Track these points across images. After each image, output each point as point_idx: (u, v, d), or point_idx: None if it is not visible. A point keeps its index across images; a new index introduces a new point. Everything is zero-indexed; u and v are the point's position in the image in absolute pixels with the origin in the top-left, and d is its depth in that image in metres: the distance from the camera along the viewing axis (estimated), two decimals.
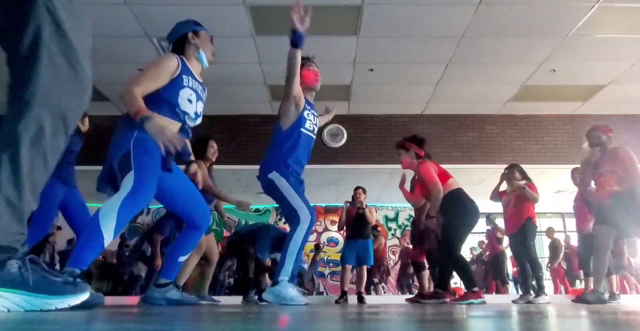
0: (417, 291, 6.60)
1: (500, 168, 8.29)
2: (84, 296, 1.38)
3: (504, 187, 6.07)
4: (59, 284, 1.32)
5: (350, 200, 6.48)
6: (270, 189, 3.26)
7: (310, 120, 3.48)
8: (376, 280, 9.75)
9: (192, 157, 3.02)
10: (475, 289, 4.23)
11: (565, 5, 5.17)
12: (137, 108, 2.33)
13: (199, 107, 2.83)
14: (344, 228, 6.55)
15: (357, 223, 6.26)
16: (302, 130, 3.40)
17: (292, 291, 3.10)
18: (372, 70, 6.66)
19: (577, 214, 5.89)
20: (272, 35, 5.76)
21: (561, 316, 1.76)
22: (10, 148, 1.22)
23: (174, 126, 2.55)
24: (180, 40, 2.82)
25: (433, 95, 7.49)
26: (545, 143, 8.14)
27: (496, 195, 5.97)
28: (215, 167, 4.83)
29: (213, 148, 4.61)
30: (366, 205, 6.36)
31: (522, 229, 5.46)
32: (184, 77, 2.67)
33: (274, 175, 3.23)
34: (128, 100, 2.36)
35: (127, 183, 2.27)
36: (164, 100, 2.53)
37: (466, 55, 6.22)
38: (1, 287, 1.24)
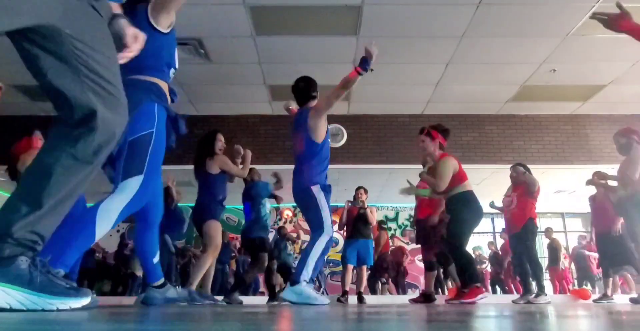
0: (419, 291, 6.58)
1: (500, 168, 8.33)
2: (86, 301, 1.39)
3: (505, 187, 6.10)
4: (62, 287, 1.34)
5: (351, 199, 6.51)
6: (307, 199, 3.44)
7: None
8: (384, 280, 9.73)
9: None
10: (479, 285, 4.25)
11: (565, 5, 5.17)
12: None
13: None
14: (344, 228, 6.57)
15: (358, 223, 6.28)
16: (329, 140, 3.67)
17: (310, 291, 3.20)
18: (372, 70, 6.64)
19: (598, 214, 5.91)
20: (272, 35, 5.76)
21: (563, 316, 1.76)
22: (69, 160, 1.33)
23: (165, 87, 2.30)
24: None
25: (433, 95, 7.49)
26: (545, 143, 8.14)
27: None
28: None
29: (221, 142, 4.60)
30: (367, 205, 6.38)
31: (523, 229, 5.48)
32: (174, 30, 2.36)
33: (316, 189, 3.43)
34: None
35: (134, 185, 2.08)
36: (159, 57, 2.25)
37: (466, 55, 6.22)
38: (8, 283, 1.24)
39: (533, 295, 5.43)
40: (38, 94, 7.24)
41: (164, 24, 2.23)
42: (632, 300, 5.01)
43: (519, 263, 5.70)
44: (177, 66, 2.37)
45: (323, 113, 3.56)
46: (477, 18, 5.37)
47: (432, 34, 5.74)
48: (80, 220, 2.02)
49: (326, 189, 3.48)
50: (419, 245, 5.75)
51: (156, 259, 2.67)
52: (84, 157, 1.34)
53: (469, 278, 4.27)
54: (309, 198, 3.42)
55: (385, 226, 10.41)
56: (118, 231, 11.17)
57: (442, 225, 4.96)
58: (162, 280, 2.74)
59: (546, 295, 5.52)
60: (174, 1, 2.21)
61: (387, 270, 9.70)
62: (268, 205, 5.47)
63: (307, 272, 3.24)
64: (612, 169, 8.02)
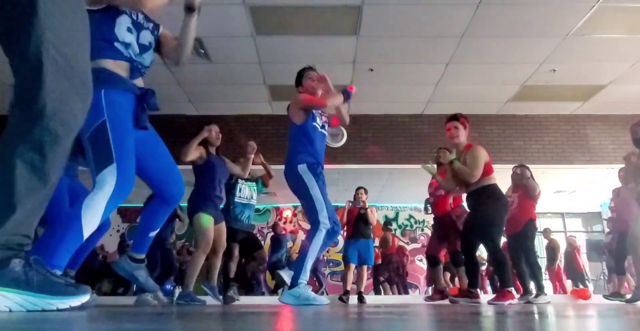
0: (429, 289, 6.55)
1: (500, 168, 8.27)
2: (85, 298, 1.37)
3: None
4: (60, 285, 1.32)
5: (351, 199, 6.53)
6: (296, 182, 3.35)
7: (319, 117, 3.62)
8: (382, 279, 9.74)
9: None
10: (510, 289, 4.09)
11: (565, 5, 5.17)
12: None
13: (145, 38, 2.27)
14: (344, 228, 6.57)
15: (358, 223, 6.30)
16: (314, 125, 3.53)
17: (309, 292, 3.15)
18: (372, 70, 6.66)
19: (620, 209, 5.86)
20: (272, 35, 5.76)
21: (562, 316, 1.76)
22: (29, 153, 1.24)
23: (119, 66, 2.15)
24: None
25: (433, 95, 7.49)
26: (545, 143, 8.14)
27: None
28: None
29: (215, 132, 4.53)
30: (368, 206, 6.40)
31: (523, 230, 5.48)
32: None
33: (303, 168, 3.34)
34: None
35: (109, 178, 1.98)
36: (97, 37, 2.05)
37: (466, 55, 6.22)
38: (4, 287, 1.23)
39: (533, 295, 5.42)
40: None
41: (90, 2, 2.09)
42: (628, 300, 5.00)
43: (516, 264, 5.70)
44: (126, 40, 2.18)
45: (298, 108, 3.51)
46: (477, 18, 5.37)
47: (432, 34, 5.74)
48: (66, 221, 1.97)
49: (315, 170, 3.37)
50: (420, 244, 5.74)
51: (152, 234, 2.54)
52: (42, 146, 1.26)
53: (503, 282, 4.10)
54: (298, 179, 3.34)
55: (390, 227, 10.41)
56: (118, 231, 11.17)
57: (460, 221, 4.98)
58: (143, 256, 2.57)
59: (546, 294, 5.52)
60: None
61: (395, 271, 9.71)
62: (239, 195, 5.34)
63: (305, 274, 3.21)
64: (612, 169, 8.05)
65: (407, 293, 9.87)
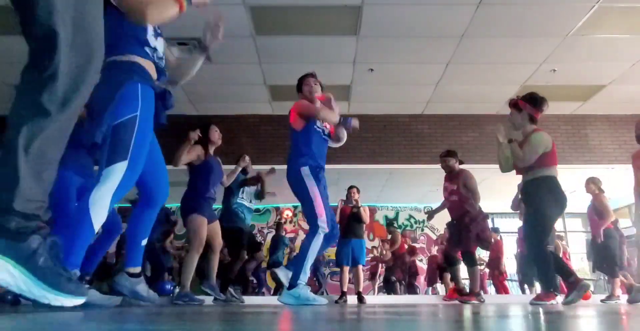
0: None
1: None
2: (80, 301, 1.32)
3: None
4: (63, 279, 1.27)
5: (344, 198, 6.55)
6: (297, 184, 3.42)
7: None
8: (394, 278, 9.75)
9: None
10: (554, 289, 3.74)
11: (565, 5, 5.17)
12: (176, 3, 2.06)
13: (161, 45, 2.43)
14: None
15: (351, 222, 6.32)
16: (316, 128, 3.61)
17: (308, 293, 3.22)
18: (372, 70, 6.66)
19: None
20: (272, 35, 5.76)
21: (576, 316, 1.76)
22: (34, 119, 1.23)
23: (149, 65, 2.24)
24: None
25: (433, 95, 7.49)
26: None
27: (516, 205, 6.11)
28: None
29: (217, 132, 4.62)
30: (361, 205, 6.42)
31: None
32: None
33: (305, 171, 3.41)
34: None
35: (117, 174, 2.01)
36: (131, 36, 2.18)
37: (466, 55, 6.22)
38: (16, 262, 1.19)
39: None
40: None
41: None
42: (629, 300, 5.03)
43: (529, 266, 5.76)
44: (152, 44, 2.29)
45: (296, 114, 3.61)
46: (477, 18, 5.37)
47: (432, 34, 5.74)
48: (76, 216, 1.98)
49: (317, 173, 3.43)
50: (420, 244, 5.75)
51: (144, 242, 2.52)
52: (50, 108, 1.24)
53: (545, 284, 3.77)
54: (299, 183, 3.40)
55: (394, 227, 10.41)
56: (118, 233, 11.14)
57: (475, 225, 5.05)
58: (139, 269, 2.55)
59: (559, 294, 5.61)
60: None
61: (408, 271, 9.72)
62: (242, 196, 5.39)
63: (305, 275, 3.26)
64: (611, 169, 8.05)
65: (416, 292, 9.88)
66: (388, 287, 9.78)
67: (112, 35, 1.74)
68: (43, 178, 1.25)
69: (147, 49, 2.23)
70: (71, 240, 1.90)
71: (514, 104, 3.98)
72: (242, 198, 5.34)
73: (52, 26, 1.24)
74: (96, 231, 1.97)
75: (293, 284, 3.24)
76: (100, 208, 1.95)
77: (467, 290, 5.36)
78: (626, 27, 5.59)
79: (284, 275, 3.35)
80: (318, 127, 3.61)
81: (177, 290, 4.78)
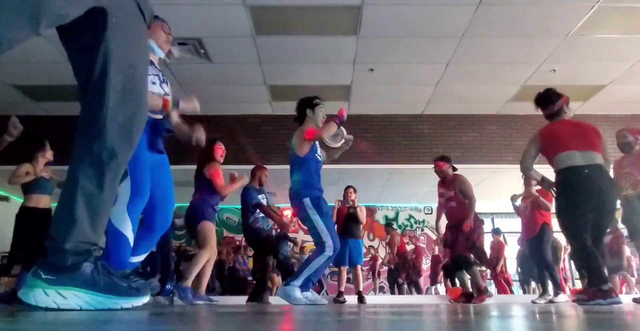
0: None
1: (501, 168, 8.33)
2: (146, 299, 1.50)
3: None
4: (125, 288, 1.44)
5: (341, 199, 6.59)
6: (302, 212, 3.80)
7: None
8: (401, 281, 9.77)
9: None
10: (606, 287, 3.34)
11: (565, 5, 5.17)
12: (162, 100, 2.50)
13: (165, 88, 2.78)
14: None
15: (348, 223, 6.35)
16: (317, 156, 3.99)
17: (298, 294, 3.62)
18: (372, 70, 6.66)
19: None
20: (272, 35, 5.76)
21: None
22: (90, 169, 1.39)
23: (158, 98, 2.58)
24: None
25: (433, 95, 7.49)
26: None
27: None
28: None
29: (221, 149, 4.79)
30: (358, 205, 6.45)
31: (539, 234, 5.63)
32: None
33: (307, 202, 3.75)
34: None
35: (125, 190, 2.34)
36: None
37: (466, 55, 6.22)
38: (77, 287, 1.36)
39: (552, 295, 5.60)
40: (38, 94, 7.24)
41: None
42: (635, 300, 5.04)
43: (534, 266, 5.81)
44: (162, 54, 2.71)
45: (306, 142, 3.89)
46: (477, 18, 5.37)
47: (432, 34, 5.74)
48: (108, 235, 2.36)
49: (318, 203, 3.76)
50: (420, 243, 5.78)
51: (136, 259, 2.63)
52: (101, 162, 1.40)
53: (592, 280, 3.43)
54: (303, 211, 3.77)
55: (394, 227, 10.41)
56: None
57: (473, 231, 5.20)
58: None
59: (564, 294, 5.68)
60: None
61: (412, 269, 9.73)
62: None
63: (299, 280, 3.66)
64: (611, 169, 8.04)
65: (420, 292, 9.90)
66: (394, 288, 9.78)
67: None
68: (98, 224, 1.44)
69: None
70: (112, 249, 2.32)
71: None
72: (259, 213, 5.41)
73: (105, 79, 1.37)
74: (130, 237, 2.34)
75: (289, 282, 3.69)
76: (120, 218, 2.33)
77: (476, 293, 5.37)
78: (626, 27, 5.59)
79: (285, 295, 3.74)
80: (318, 154, 3.96)
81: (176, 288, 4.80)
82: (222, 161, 4.82)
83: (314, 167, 3.89)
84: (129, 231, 2.32)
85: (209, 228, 4.62)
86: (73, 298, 1.36)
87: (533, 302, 5.51)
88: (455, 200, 5.37)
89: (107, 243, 2.37)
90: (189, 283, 4.50)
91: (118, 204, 2.32)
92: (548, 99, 4.01)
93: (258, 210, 5.31)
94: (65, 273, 1.37)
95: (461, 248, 5.25)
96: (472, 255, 5.33)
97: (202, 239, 4.60)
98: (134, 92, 1.42)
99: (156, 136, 2.51)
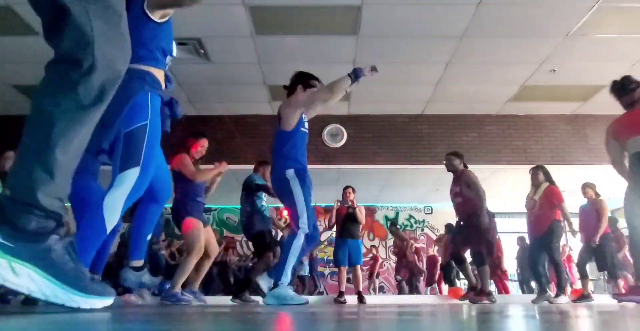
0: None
1: (501, 168, 8.32)
2: (109, 301, 1.29)
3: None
4: (87, 281, 1.22)
5: (340, 199, 6.60)
6: (282, 186, 3.45)
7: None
8: (399, 278, 9.77)
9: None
10: None
11: (565, 5, 5.17)
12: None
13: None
14: (334, 228, 6.69)
15: (347, 223, 6.36)
16: (303, 130, 3.65)
17: (291, 292, 3.32)
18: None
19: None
20: (272, 35, 5.76)
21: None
22: (70, 114, 1.19)
23: (160, 75, 2.33)
24: None
25: (433, 95, 7.48)
26: (545, 143, 8.14)
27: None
28: None
29: (201, 146, 4.60)
30: (357, 205, 6.44)
31: (548, 232, 5.54)
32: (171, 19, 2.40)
33: (290, 173, 3.42)
34: None
35: (130, 179, 2.10)
36: (157, 47, 2.30)
37: (466, 55, 6.22)
38: (37, 267, 1.11)
39: (553, 296, 5.56)
40: None
41: (157, 14, 2.27)
42: (615, 296, 5.02)
43: (535, 266, 5.77)
44: (174, 53, 2.43)
45: (299, 107, 3.59)
46: (477, 18, 5.36)
47: (432, 34, 5.73)
48: (89, 219, 2.06)
49: (302, 176, 3.44)
50: (420, 244, 5.78)
51: (149, 237, 2.62)
52: (88, 102, 1.20)
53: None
54: (284, 184, 3.43)
55: (398, 227, 10.41)
56: (118, 231, 11.14)
57: (488, 228, 5.17)
58: (142, 262, 2.63)
59: (566, 295, 5.63)
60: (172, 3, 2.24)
61: (414, 268, 9.74)
62: (265, 199, 5.42)
63: (287, 275, 3.31)
64: (611, 169, 8.04)
65: (419, 292, 9.91)
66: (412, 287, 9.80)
67: (137, 43, 1.79)
68: (71, 175, 1.21)
69: (168, 59, 2.36)
70: (82, 240, 1.94)
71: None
72: (266, 201, 5.39)
73: (85, 26, 1.21)
74: (107, 232, 2.04)
75: (275, 284, 3.30)
76: (113, 211, 2.03)
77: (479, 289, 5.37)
78: (626, 27, 5.59)
79: (265, 283, 3.43)
80: (305, 128, 3.64)
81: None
82: (196, 158, 4.58)
83: (300, 140, 3.59)
84: (110, 226, 2.03)
85: (193, 229, 4.35)
86: (26, 279, 1.09)
87: (533, 302, 5.50)
88: (461, 196, 5.37)
89: (82, 233, 2.04)
90: (177, 289, 4.34)
91: (118, 193, 2.07)
92: (627, 87, 3.91)
93: (259, 206, 5.28)
94: (28, 242, 1.11)
95: (475, 244, 5.22)
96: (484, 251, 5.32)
97: (187, 244, 4.41)
98: (119, 27, 1.27)
99: (167, 117, 2.37)
